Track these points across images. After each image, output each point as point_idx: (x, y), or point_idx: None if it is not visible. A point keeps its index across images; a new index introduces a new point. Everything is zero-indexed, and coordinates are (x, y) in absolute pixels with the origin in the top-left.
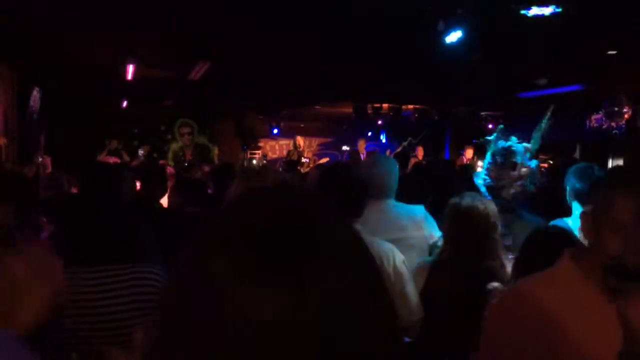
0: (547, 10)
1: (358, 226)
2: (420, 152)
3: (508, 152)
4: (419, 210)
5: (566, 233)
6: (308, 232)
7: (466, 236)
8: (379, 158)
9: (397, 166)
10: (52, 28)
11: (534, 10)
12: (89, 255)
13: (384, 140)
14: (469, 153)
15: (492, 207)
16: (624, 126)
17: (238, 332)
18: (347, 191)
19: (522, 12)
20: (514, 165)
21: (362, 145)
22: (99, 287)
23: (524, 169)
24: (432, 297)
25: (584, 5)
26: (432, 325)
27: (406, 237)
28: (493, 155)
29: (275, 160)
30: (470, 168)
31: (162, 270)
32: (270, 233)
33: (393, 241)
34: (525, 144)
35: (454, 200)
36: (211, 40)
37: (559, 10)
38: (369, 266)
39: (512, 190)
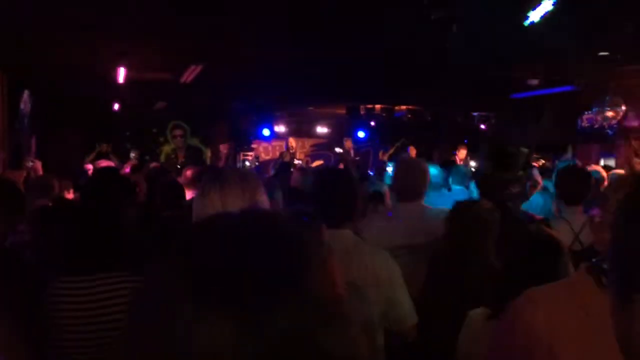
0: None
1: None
2: (412, 152)
3: (504, 153)
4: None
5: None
6: (256, 267)
7: (463, 235)
8: (412, 161)
9: (428, 169)
10: (43, 31)
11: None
12: (83, 265)
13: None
14: (461, 153)
15: (489, 209)
16: (615, 126)
17: (187, 349)
18: (344, 199)
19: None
20: (509, 166)
21: (348, 144)
22: (94, 296)
23: (520, 172)
24: (429, 295)
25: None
26: (430, 323)
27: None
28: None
29: (268, 162)
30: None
31: None
32: (221, 269)
33: (422, 245)
34: (522, 148)
35: (457, 203)
36: (203, 43)
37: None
38: (317, 299)
39: (507, 191)
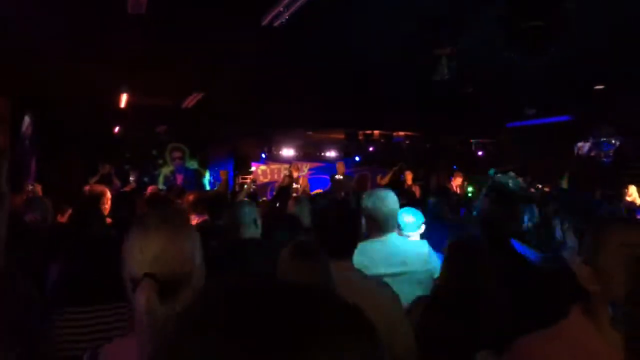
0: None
1: (357, 259)
2: (408, 177)
3: (503, 189)
4: (423, 244)
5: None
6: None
7: (464, 279)
8: (382, 193)
9: (397, 200)
10: (46, 57)
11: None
12: (84, 296)
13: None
14: (457, 180)
15: (484, 248)
16: (611, 155)
17: None
18: (347, 231)
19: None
20: (509, 202)
21: (340, 169)
22: (94, 327)
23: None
24: (426, 336)
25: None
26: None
27: (412, 271)
28: (488, 191)
29: (266, 185)
30: (457, 197)
31: None
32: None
33: (399, 274)
34: (520, 182)
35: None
36: (206, 72)
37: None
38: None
39: (507, 227)
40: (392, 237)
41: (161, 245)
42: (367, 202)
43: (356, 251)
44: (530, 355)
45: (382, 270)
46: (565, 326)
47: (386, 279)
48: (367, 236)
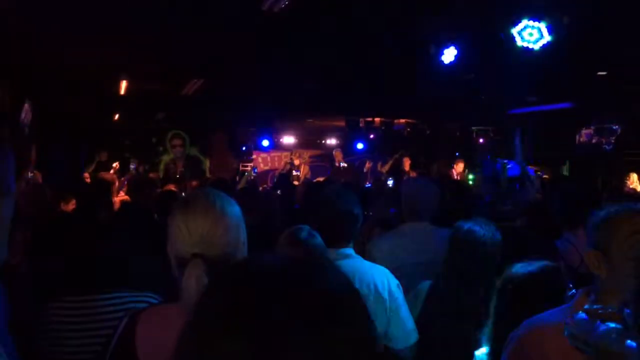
0: (536, 45)
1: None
2: (406, 163)
3: (494, 169)
4: None
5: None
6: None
7: (465, 266)
8: (420, 182)
9: (437, 190)
10: (46, 42)
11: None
12: (84, 285)
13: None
14: (459, 167)
15: (493, 233)
16: (613, 142)
17: None
18: (333, 222)
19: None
20: (498, 181)
21: (338, 156)
22: (94, 316)
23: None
24: (426, 323)
25: (575, 28)
26: (427, 348)
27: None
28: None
29: (266, 172)
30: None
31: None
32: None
33: (431, 263)
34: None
35: (457, 225)
36: (207, 58)
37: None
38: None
39: (504, 207)
40: (426, 226)
41: (208, 226)
42: (405, 188)
43: (388, 235)
44: (534, 344)
45: (410, 257)
46: (571, 309)
47: (414, 267)
48: (403, 222)
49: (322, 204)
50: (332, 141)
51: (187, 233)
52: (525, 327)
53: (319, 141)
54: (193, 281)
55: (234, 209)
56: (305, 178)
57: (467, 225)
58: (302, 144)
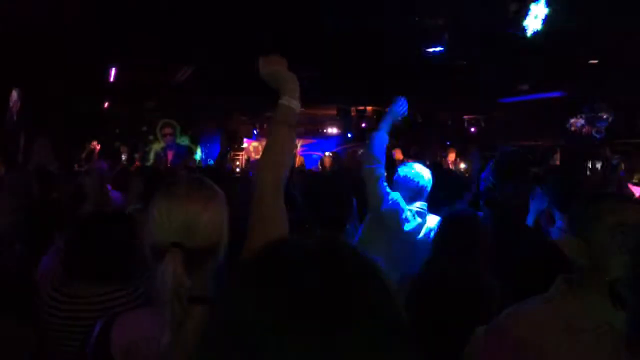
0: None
1: None
2: (398, 153)
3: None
4: None
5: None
6: (342, 296)
7: (454, 252)
8: (417, 166)
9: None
10: (34, 29)
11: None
12: (82, 275)
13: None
14: (451, 156)
15: (479, 219)
16: (603, 131)
17: None
18: (332, 209)
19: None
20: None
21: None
22: (92, 305)
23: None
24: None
25: (566, 14)
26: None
27: None
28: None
29: (257, 161)
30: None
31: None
32: (306, 294)
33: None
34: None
35: (446, 211)
36: (195, 44)
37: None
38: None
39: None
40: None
41: (192, 213)
42: (402, 172)
43: None
44: (521, 320)
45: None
46: (549, 296)
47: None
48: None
49: (310, 192)
50: (324, 130)
51: (167, 220)
52: (509, 316)
53: (311, 130)
54: (170, 271)
55: (219, 197)
56: (298, 167)
57: (454, 212)
58: (298, 133)
